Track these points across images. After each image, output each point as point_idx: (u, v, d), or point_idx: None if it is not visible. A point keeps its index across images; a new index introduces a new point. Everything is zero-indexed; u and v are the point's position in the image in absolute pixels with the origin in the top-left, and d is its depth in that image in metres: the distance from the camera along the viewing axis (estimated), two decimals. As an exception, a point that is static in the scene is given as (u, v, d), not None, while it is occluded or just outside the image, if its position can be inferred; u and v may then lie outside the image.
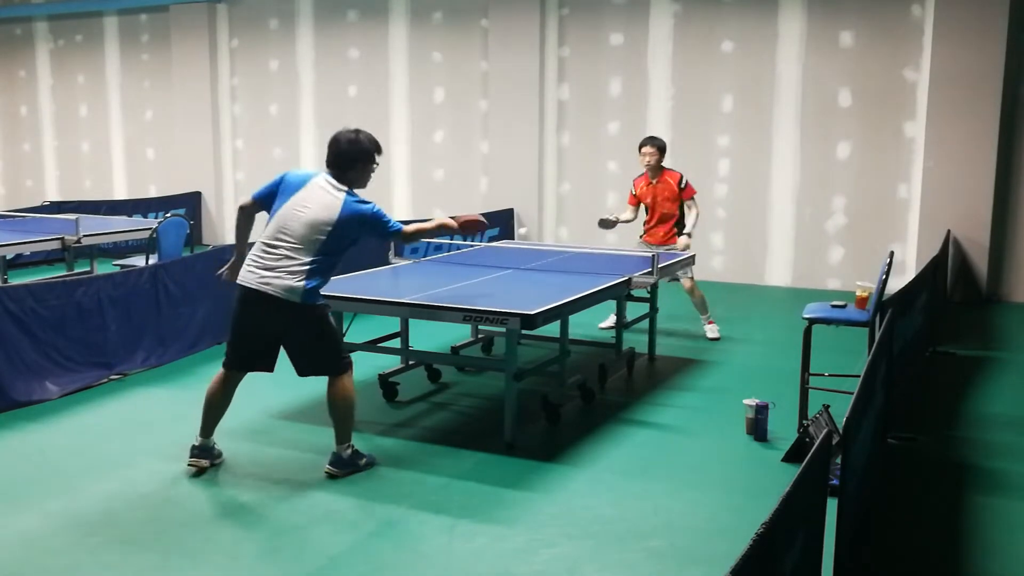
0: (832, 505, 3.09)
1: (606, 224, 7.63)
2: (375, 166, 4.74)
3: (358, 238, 4.66)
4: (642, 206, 7.83)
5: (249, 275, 4.55)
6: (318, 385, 6.17)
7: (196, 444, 4.78)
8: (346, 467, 4.70)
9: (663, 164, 7.69)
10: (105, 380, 6.36)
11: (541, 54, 11.38)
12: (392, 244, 6.98)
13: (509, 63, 11.51)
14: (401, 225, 4.71)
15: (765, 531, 2.05)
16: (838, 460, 3.13)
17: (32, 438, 5.32)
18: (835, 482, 3.17)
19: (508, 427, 5.16)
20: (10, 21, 15.29)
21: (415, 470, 4.81)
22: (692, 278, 7.62)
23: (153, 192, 14.29)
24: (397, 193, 12.64)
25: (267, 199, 4.69)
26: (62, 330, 6.14)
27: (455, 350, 6.83)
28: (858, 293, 5.58)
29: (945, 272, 8.90)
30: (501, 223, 11.29)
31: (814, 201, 10.43)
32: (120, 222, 9.69)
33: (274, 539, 4.04)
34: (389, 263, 6.85)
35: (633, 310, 7.12)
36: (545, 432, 5.47)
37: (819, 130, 10.32)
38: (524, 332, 5.12)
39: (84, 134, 15.00)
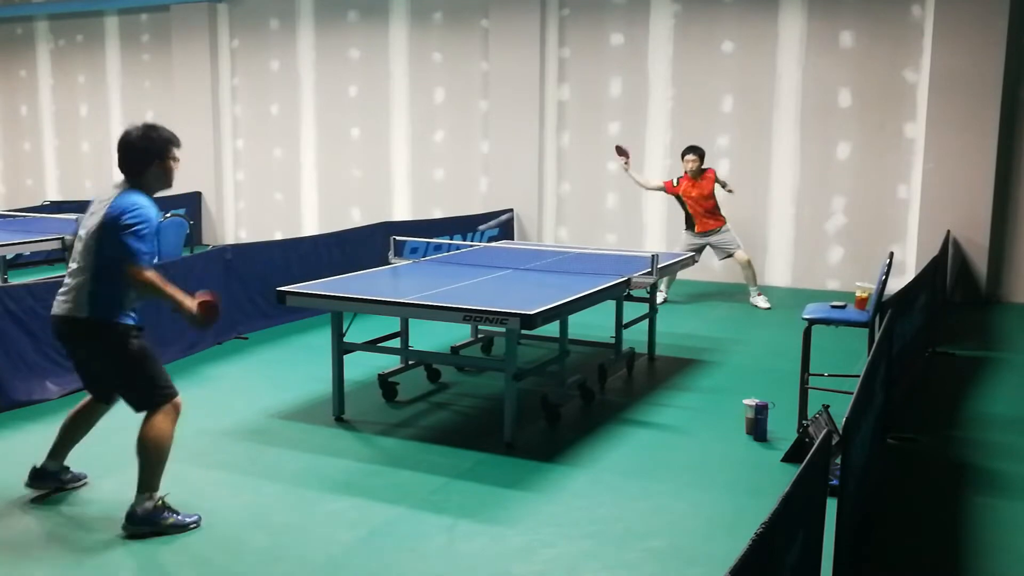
0: (832, 505, 3.09)
1: (621, 152, 9.38)
2: (173, 162, 4.30)
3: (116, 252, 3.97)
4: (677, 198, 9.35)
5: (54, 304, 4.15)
6: (317, 385, 6.21)
7: (36, 466, 4.40)
8: (142, 524, 4.01)
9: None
10: (105, 380, 6.35)
11: (541, 54, 11.38)
12: (392, 245, 6.98)
13: (509, 63, 11.51)
14: (148, 262, 4.05)
15: (765, 531, 2.05)
16: (838, 460, 3.13)
17: (32, 438, 5.32)
18: (835, 482, 3.17)
19: (508, 427, 5.16)
20: (10, 21, 15.30)
21: (415, 470, 4.82)
22: (740, 248, 9.34)
23: (153, 192, 14.27)
24: (397, 193, 12.65)
25: None
26: (62, 330, 6.13)
27: (455, 350, 6.83)
28: (858, 294, 5.59)
29: (945, 273, 8.90)
30: (501, 223, 11.28)
31: (814, 201, 10.43)
32: (120, 222, 9.66)
33: (274, 539, 4.04)
34: (389, 263, 6.85)
35: (632, 310, 7.11)
36: (545, 432, 5.47)
37: (819, 130, 10.31)
38: (524, 332, 5.12)
39: (84, 134, 15.00)
